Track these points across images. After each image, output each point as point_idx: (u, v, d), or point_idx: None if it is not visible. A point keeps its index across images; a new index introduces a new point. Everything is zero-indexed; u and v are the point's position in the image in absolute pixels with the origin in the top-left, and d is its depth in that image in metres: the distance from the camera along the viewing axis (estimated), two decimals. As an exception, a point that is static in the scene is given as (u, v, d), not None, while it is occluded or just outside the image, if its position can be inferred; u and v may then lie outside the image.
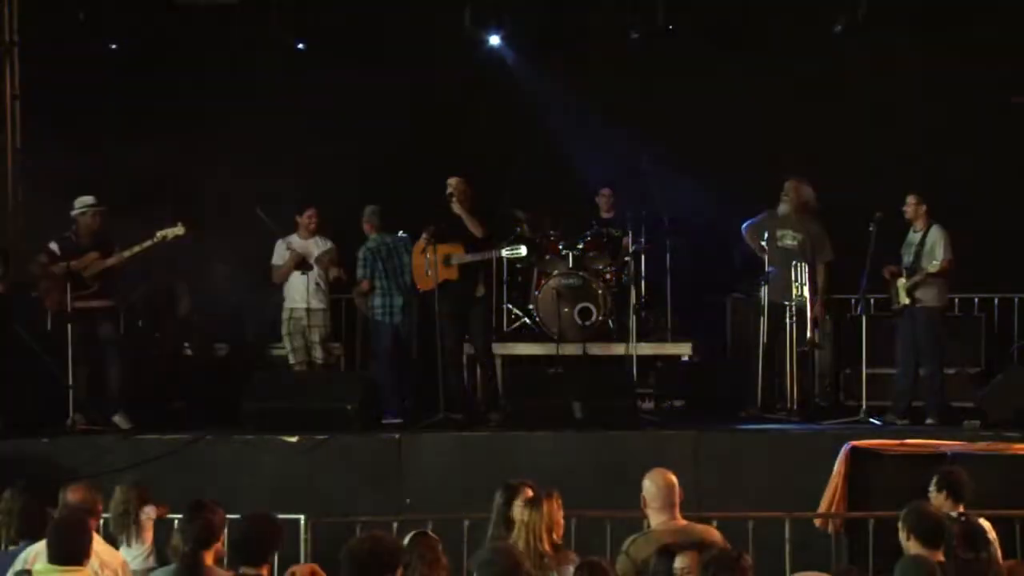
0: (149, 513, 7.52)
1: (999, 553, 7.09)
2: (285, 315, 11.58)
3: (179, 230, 10.63)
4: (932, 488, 7.43)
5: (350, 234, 11.89)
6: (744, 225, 11.44)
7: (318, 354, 11.52)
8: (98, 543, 6.63)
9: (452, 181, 10.93)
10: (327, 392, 10.58)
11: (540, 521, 6.54)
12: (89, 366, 10.55)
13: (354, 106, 13.30)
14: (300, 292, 11.46)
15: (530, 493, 6.75)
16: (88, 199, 10.75)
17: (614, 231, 12.21)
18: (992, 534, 7.21)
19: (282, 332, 11.66)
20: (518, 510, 6.61)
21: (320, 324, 11.51)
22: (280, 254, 11.68)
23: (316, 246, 11.63)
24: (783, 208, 11.27)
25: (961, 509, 7.10)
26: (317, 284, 11.50)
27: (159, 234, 10.62)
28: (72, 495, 6.82)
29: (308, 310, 11.46)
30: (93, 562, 6.39)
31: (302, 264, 11.46)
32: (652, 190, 11.90)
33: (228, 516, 6.28)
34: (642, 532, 6.74)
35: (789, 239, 11.11)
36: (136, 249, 10.66)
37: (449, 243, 10.83)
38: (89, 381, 10.58)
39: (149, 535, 7.54)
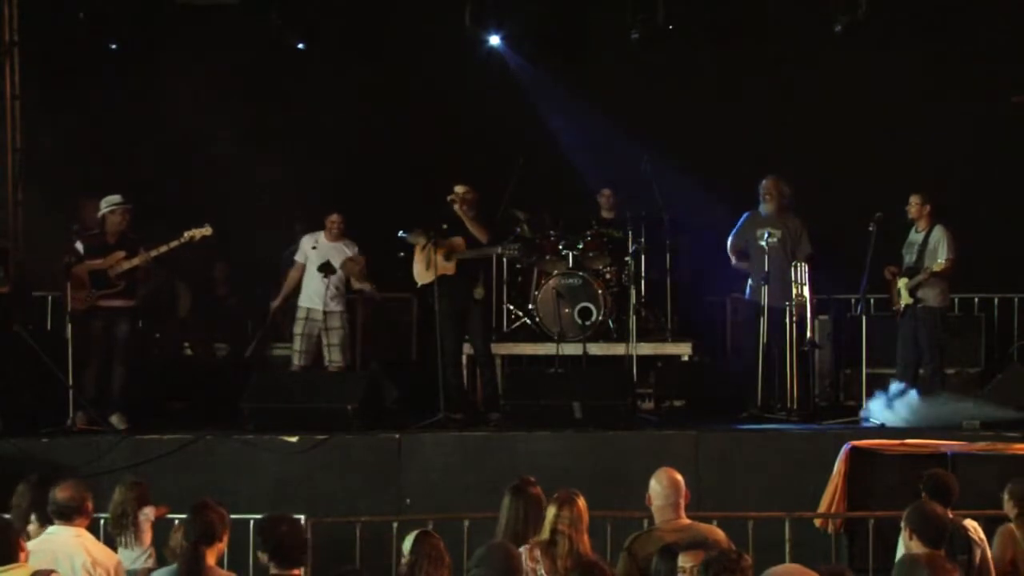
0: (148, 514, 7.49)
1: (988, 553, 7.11)
2: (301, 314, 11.36)
3: (206, 230, 10.53)
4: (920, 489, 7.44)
5: (350, 233, 11.89)
6: (729, 238, 11.46)
7: (336, 357, 11.31)
8: (91, 542, 6.60)
9: (459, 189, 10.90)
10: (327, 392, 10.56)
11: (580, 521, 6.54)
12: (99, 365, 10.51)
13: (354, 106, 13.32)
14: (319, 293, 11.29)
15: (537, 490, 6.75)
16: (115, 197, 10.66)
17: (614, 232, 12.20)
18: (979, 534, 7.22)
19: (294, 331, 11.46)
20: (551, 511, 6.58)
21: (338, 326, 11.35)
22: (303, 250, 11.52)
23: (342, 251, 11.47)
24: (767, 208, 11.28)
25: (948, 511, 7.08)
26: (336, 288, 11.37)
27: (187, 234, 10.52)
28: (60, 493, 6.79)
29: (325, 312, 11.31)
30: (85, 561, 6.36)
31: (325, 267, 11.31)
32: (652, 190, 11.89)
33: (233, 516, 6.27)
34: (645, 530, 6.74)
35: (769, 237, 11.11)
36: (163, 249, 10.56)
37: (450, 241, 10.82)
38: (95, 380, 10.53)
39: (148, 536, 7.50)
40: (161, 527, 7.54)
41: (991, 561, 7.09)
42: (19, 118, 12.17)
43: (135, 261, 10.53)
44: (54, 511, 6.66)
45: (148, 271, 10.71)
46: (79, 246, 10.57)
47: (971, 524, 7.26)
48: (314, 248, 11.47)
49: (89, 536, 6.66)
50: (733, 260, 11.44)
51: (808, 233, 11.26)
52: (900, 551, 6.95)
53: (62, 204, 11.35)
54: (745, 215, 11.42)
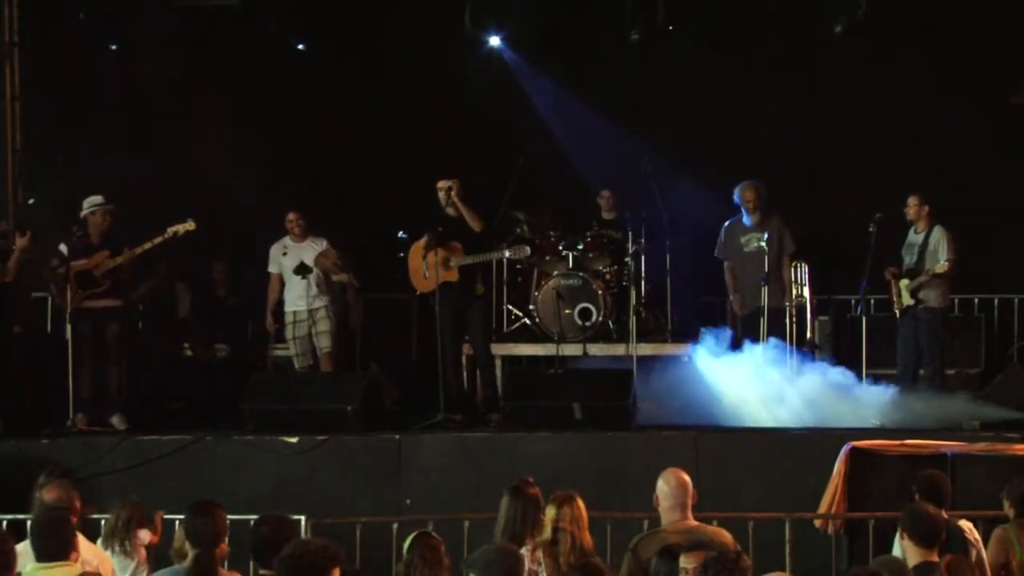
0: (143, 539, 7.35)
1: (983, 553, 7.14)
2: (288, 319, 11.52)
3: (189, 225, 10.54)
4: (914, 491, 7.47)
5: (350, 233, 11.89)
6: (720, 251, 11.53)
7: (325, 343, 11.42)
8: (81, 542, 6.50)
9: (442, 184, 10.86)
10: (327, 393, 10.56)
11: (581, 519, 6.53)
12: (93, 366, 10.50)
13: (353, 106, 13.31)
14: (300, 295, 11.41)
15: (535, 491, 6.75)
16: (97, 198, 10.66)
17: (613, 232, 12.18)
18: (975, 535, 7.25)
19: (286, 336, 11.61)
20: (551, 511, 6.57)
21: (324, 317, 11.46)
22: (275, 259, 11.63)
23: (312, 248, 11.53)
24: (753, 218, 11.35)
25: (943, 512, 7.09)
26: (317, 286, 11.43)
27: (170, 230, 10.54)
28: (48, 494, 6.76)
29: (310, 311, 11.42)
30: None
31: (301, 269, 11.35)
32: (652, 191, 11.88)
33: (230, 517, 6.25)
34: (651, 531, 6.74)
35: (755, 243, 11.13)
36: (147, 245, 10.57)
37: (448, 245, 10.80)
38: (92, 381, 10.53)
39: (142, 553, 7.39)
40: (165, 528, 7.53)
41: (987, 562, 7.10)
42: (19, 118, 12.17)
43: (119, 260, 10.51)
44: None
45: (132, 269, 10.70)
46: (63, 248, 10.52)
47: (966, 525, 7.29)
48: (284, 254, 11.53)
49: (80, 537, 6.62)
50: (730, 279, 11.52)
51: (790, 231, 11.30)
52: (896, 551, 6.99)
53: (62, 204, 11.33)
54: (726, 224, 11.49)
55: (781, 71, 12.93)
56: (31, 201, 11.50)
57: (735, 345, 11.40)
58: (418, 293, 11.22)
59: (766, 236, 11.14)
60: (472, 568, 5.27)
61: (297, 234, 11.55)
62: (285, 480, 9.88)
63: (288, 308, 11.53)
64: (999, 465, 9.19)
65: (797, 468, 9.68)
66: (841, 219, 11.79)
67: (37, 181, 12.30)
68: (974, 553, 7.07)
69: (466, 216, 10.74)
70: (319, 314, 11.45)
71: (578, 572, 5.75)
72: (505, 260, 11.92)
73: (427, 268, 10.70)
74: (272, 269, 11.65)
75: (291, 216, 11.53)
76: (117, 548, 7.27)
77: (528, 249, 11.23)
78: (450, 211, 10.81)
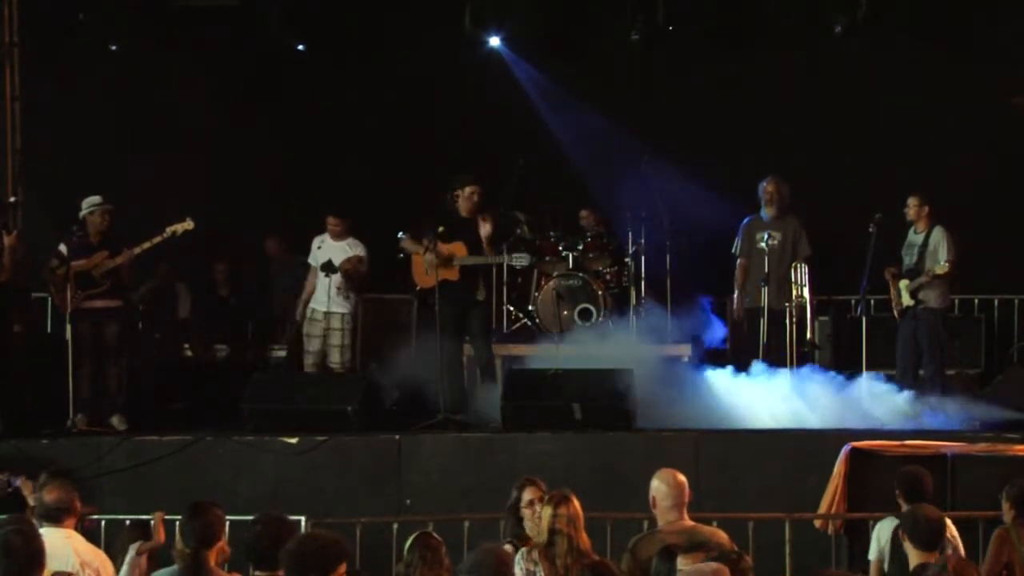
0: (131, 553, 7.35)
1: (962, 553, 7.19)
2: (308, 313, 11.51)
3: (188, 224, 10.54)
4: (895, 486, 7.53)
5: (357, 232, 11.88)
6: (737, 255, 11.49)
7: (336, 358, 11.40)
8: (80, 543, 6.54)
9: (467, 190, 10.83)
10: (327, 393, 10.55)
11: (577, 519, 6.53)
12: (92, 366, 10.50)
13: (353, 106, 13.32)
14: (322, 294, 11.39)
15: (539, 493, 6.76)
16: (95, 198, 10.65)
17: (612, 240, 12.18)
18: (952, 531, 7.26)
19: (303, 330, 11.58)
20: (547, 512, 6.58)
21: (339, 328, 11.40)
22: (313, 251, 11.61)
23: (344, 250, 11.48)
24: (769, 212, 11.34)
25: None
26: (338, 288, 11.40)
27: (168, 229, 10.54)
28: (48, 495, 6.75)
29: (327, 313, 11.38)
30: (74, 563, 6.33)
31: (327, 266, 11.35)
32: (652, 190, 11.89)
33: (230, 517, 6.26)
34: (649, 531, 6.74)
35: (768, 240, 11.13)
36: (146, 245, 10.57)
37: (451, 243, 10.80)
38: (92, 381, 10.53)
39: (141, 562, 7.39)
40: (166, 528, 7.52)
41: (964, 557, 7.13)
42: (19, 119, 12.17)
43: (118, 260, 10.51)
44: (42, 514, 6.61)
45: (132, 269, 10.70)
46: (62, 248, 10.51)
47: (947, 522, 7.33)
48: (319, 248, 11.52)
49: (78, 537, 6.61)
50: (740, 276, 11.49)
51: (807, 234, 11.28)
52: (873, 550, 7.05)
53: (62, 205, 11.34)
54: (744, 222, 11.47)
55: (781, 71, 12.93)
56: (12, 199, 11.46)
57: (733, 346, 11.42)
58: (418, 289, 11.21)
59: (766, 237, 11.14)
60: (462, 570, 5.27)
61: (336, 234, 11.52)
62: (285, 480, 9.88)
63: (311, 304, 11.52)
64: (999, 465, 9.20)
65: (797, 468, 9.68)
66: (841, 219, 11.79)
67: (37, 181, 12.30)
68: (950, 550, 7.08)
69: (482, 228, 10.71)
70: (334, 321, 11.39)
71: (589, 572, 5.74)
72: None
73: (428, 265, 10.72)
74: (311, 260, 11.63)
75: (329, 219, 11.51)
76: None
77: (528, 258, 11.19)
78: (463, 212, 10.81)
